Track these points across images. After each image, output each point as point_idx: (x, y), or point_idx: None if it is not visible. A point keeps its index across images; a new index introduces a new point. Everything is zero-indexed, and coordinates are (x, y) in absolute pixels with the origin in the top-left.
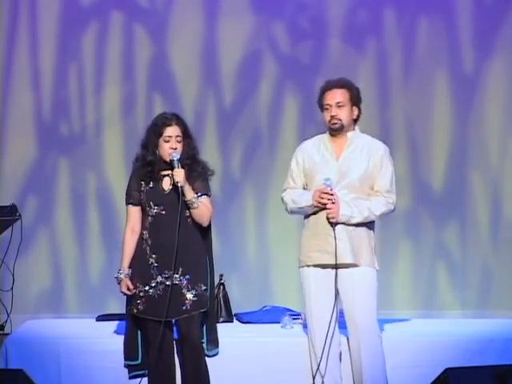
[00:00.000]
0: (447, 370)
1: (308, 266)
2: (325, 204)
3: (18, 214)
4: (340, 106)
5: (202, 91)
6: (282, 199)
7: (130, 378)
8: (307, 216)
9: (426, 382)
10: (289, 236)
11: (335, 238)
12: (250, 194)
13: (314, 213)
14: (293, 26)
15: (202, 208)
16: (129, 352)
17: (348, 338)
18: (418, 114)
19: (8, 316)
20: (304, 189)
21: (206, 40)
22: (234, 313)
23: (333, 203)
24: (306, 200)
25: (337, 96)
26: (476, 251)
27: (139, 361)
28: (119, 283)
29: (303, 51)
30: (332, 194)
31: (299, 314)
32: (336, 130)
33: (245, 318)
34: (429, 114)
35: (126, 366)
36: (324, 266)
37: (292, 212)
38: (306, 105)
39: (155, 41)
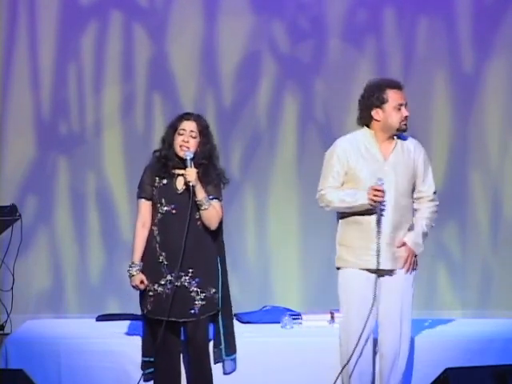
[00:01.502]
0: (447, 370)
1: (353, 268)
2: (378, 202)
3: (18, 214)
4: (407, 108)
5: (201, 91)
6: (322, 197)
7: (145, 374)
8: (352, 215)
9: (426, 382)
10: (289, 235)
11: (378, 244)
12: (249, 194)
13: (364, 214)
14: (293, 26)
15: (211, 210)
16: (147, 349)
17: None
18: (418, 113)
19: (8, 316)
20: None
21: (205, 40)
22: (234, 313)
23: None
24: (360, 199)
25: (405, 97)
26: (476, 251)
27: None
28: (131, 277)
29: (303, 51)
30: (383, 191)
31: (299, 314)
32: (404, 131)
33: (245, 318)
34: (429, 114)
35: (142, 362)
36: (371, 270)
37: (335, 210)
38: (305, 105)
39: (155, 41)
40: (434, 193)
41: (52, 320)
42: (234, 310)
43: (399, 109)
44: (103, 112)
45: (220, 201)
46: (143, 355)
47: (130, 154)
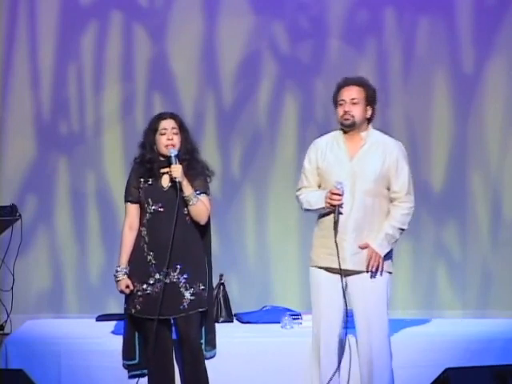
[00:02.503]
0: (447, 370)
1: (319, 267)
2: (335, 206)
3: (18, 214)
4: (354, 103)
5: (202, 91)
6: (297, 198)
7: (129, 377)
8: (322, 216)
9: (426, 382)
10: (289, 236)
11: (336, 245)
12: (249, 194)
13: (329, 214)
14: (293, 26)
15: (199, 205)
16: (127, 352)
17: (356, 340)
18: (418, 113)
19: (8, 316)
20: (319, 187)
21: (205, 40)
22: (233, 313)
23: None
24: (319, 202)
25: (352, 93)
26: (476, 251)
27: (137, 360)
28: (117, 281)
29: (303, 51)
30: (341, 195)
31: (299, 314)
32: (347, 126)
33: (245, 318)
34: (429, 114)
35: (125, 366)
36: (334, 270)
37: (307, 211)
38: (305, 105)
39: (155, 41)
40: (407, 194)
41: (52, 320)
42: (234, 310)
43: (341, 104)
44: (103, 112)
45: (208, 195)
46: (125, 358)
47: (130, 153)
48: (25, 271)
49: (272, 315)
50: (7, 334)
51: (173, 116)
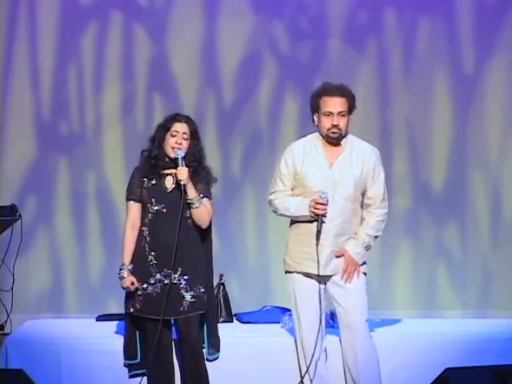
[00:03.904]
0: (447, 370)
1: (297, 272)
2: (319, 215)
3: (18, 214)
4: (342, 116)
5: (202, 91)
6: (271, 202)
7: (130, 377)
8: (300, 221)
9: (426, 382)
10: None
11: (317, 248)
12: (250, 193)
13: (310, 221)
14: (293, 26)
15: (202, 209)
16: (128, 351)
17: (340, 339)
18: (418, 113)
19: (8, 316)
20: (291, 190)
21: (205, 40)
22: (234, 313)
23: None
24: (301, 210)
25: (340, 105)
26: (476, 251)
27: (138, 360)
28: (122, 279)
29: (303, 51)
30: (326, 204)
31: None
32: (335, 139)
33: (245, 318)
34: (429, 114)
35: (126, 365)
36: (312, 275)
37: (282, 216)
38: (305, 105)
39: (155, 41)
40: (382, 200)
41: (52, 320)
42: (234, 310)
43: (327, 115)
44: (103, 112)
45: (210, 199)
46: (126, 358)
47: (130, 154)
48: (25, 271)
49: (272, 315)
50: (7, 334)
51: (188, 121)
